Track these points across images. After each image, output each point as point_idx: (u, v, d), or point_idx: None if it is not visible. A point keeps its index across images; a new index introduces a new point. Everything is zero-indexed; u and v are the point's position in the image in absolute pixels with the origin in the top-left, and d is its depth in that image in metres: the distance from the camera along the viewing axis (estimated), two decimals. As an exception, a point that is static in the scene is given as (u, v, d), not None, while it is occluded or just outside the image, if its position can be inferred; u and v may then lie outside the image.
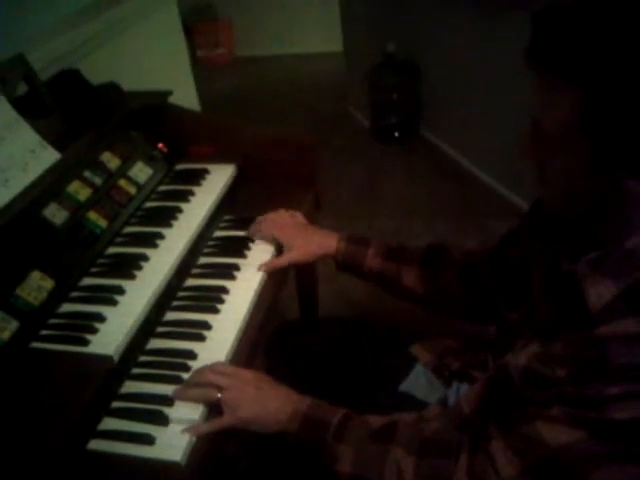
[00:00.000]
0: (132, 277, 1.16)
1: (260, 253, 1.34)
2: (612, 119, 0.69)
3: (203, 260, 1.34)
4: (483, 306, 1.19)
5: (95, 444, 0.94)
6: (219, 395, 0.97)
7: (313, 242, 1.31)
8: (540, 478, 0.78)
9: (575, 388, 0.74)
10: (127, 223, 1.32)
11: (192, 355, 1.08)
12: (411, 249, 1.28)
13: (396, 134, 3.84)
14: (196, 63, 5.22)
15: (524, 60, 0.76)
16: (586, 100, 0.70)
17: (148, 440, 0.93)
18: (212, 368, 1.02)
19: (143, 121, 1.50)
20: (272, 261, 1.30)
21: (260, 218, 1.38)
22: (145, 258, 1.21)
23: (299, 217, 1.38)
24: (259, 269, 1.28)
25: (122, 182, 1.35)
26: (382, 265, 1.26)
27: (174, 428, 0.96)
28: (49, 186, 1.18)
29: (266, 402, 0.98)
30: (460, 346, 1.23)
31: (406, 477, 0.86)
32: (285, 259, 1.31)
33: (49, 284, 1.08)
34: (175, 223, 1.32)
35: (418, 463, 0.87)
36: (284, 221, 1.36)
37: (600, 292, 0.72)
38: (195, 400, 0.99)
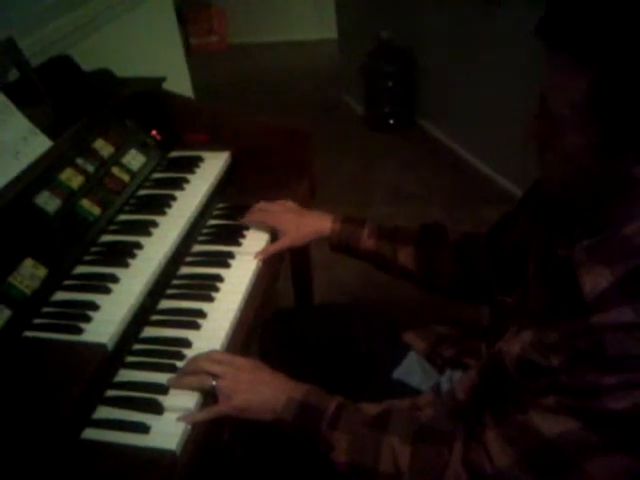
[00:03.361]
0: (126, 265, 1.15)
1: (255, 241, 1.33)
2: (625, 102, 0.67)
3: (197, 248, 1.34)
4: (477, 287, 1.19)
5: (89, 433, 0.94)
6: (214, 383, 0.97)
7: (307, 225, 1.31)
8: (534, 467, 0.78)
9: (570, 377, 0.73)
10: (120, 211, 1.31)
11: (187, 343, 1.07)
12: (406, 228, 1.29)
13: (391, 122, 3.83)
14: (189, 50, 5.19)
15: (535, 35, 0.73)
16: (599, 81, 0.67)
17: (143, 429, 0.93)
18: (207, 356, 1.01)
19: (136, 108, 1.48)
20: (267, 248, 1.30)
21: (251, 209, 1.37)
22: (139, 246, 1.20)
23: (290, 204, 1.38)
24: (255, 257, 1.28)
25: (115, 169, 1.34)
26: (377, 245, 1.27)
27: (169, 417, 0.95)
28: (41, 174, 1.17)
29: (261, 390, 0.97)
30: (453, 334, 1.23)
31: (402, 465, 0.87)
32: (279, 244, 1.31)
33: (42, 272, 1.07)
34: (169, 211, 1.31)
35: (413, 451, 0.87)
36: (275, 208, 1.36)
37: (596, 280, 0.72)
38: (190, 388, 0.99)
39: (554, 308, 0.78)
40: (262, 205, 1.37)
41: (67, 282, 1.12)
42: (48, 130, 1.23)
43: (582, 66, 0.69)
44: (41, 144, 1.20)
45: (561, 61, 0.71)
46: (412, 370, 1.21)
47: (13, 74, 1.30)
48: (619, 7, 0.66)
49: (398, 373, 1.22)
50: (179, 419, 0.94)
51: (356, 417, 0.93)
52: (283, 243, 1.31)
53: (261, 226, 1.35)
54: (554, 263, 0.82)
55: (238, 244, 1.32)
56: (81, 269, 1.15)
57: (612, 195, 0.77)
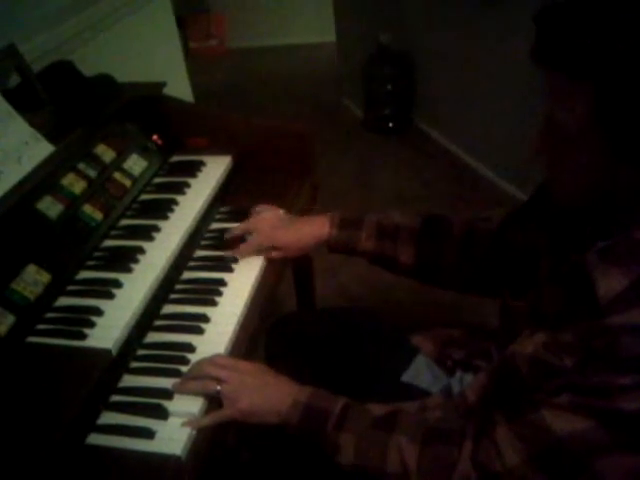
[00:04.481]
0: (129, 270, 1.15)
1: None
2: (628, 112, 0.69)
3: (200, 252, 1.33)
4: (481, 278, 1.18)
5: (94, 439, 0.93)
6: (218, 387, 0.96)
7: (304, 235, 1.27)
8: (545, 466, 0.78)
9: (583, 377, 0.73)
10: (123, 216, 1.31)
11: (191, 348, 1.07)
12: (405, 225, 1.24)
13: (390, 125, 3.83)
14: (189, 55, 5.20)
15: (531, 60, 0.75)
16: (599, 95, 0.69)
17: (148, 434, 0.93)
18: (211, 360, 1.01)
19: (137, 113, 1.48)
20: (270, 253, 1.29)
21: (244, 225, 1.32)
22: (142, 251, 1.19)
23: (278, 212, 1.34)
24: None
25: (117, 174, 1.34)
26: (376, 245, 1.24)
27: (174, 422, 0.95)
28: (43, 179, 1.17)
29: (266, 393, 0.97)
30: (462, 336, 1.23)
31: (409, 465, 0.86)
32: (280, 254, 1.29)
33: (45, 278, 1.07)
34: (171, 215, 1.31)
35: (421, 451, 0.86)
36: (266, 224, 1.30)
37: (610, 282, 0.72)
38: (194, 393, 0.98)
39: (568, 311, 0.78)
40: (250, 225, 1.31)
41: (70, 287, 1.12)
42: (50, 135, 1.23)
43: (581, 83, 0.71)
44: (43, 149, 1.20)
45: (560, 80, 0.73)
46: (421, 373, 1.21)
47: (14, 80, 1.30)
48: (609, 22, 0.68)
49: (407, 376, 1.21)
50: (184, 424, 0.94)
51: (363, 418, 0.93)
52: (286, 254, 1.29)
53: (257, 250, 1.29)
54: (567, 266, 0.82)
55: (241, 248, 1.32)
56: (84, 274, 1.15)
57: (623, 200, 0.78)
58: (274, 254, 1.29)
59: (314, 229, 1.27)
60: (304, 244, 1.28)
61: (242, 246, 1.29)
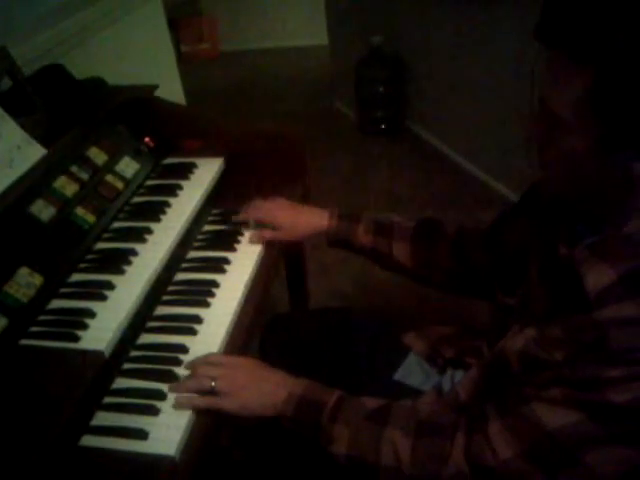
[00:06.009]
0: (121, 272, 1.15)
1: (250, 246, 1.34)
2: (625, 99, 0.68)
3: (193, 254, 1.34)
4: (472, 281, 1.19)
5: (88, 440, 0.94)
6: (213, 384, 0.97)
7: (303, 221, 1.32)
8: (537, 459, 0.79)
9: (573, 370, 0.74)
10: (115, 218, 1.31)
11: (184, 349, 1.07)
12: (401, 224, 1.28)
13: (382, 126, 3.85)
14: (181, 58, 5.20)
15: (534, 36, 0.74)
16: (599, 79, 0.68)
17: (141, 435, 0.93)
18: (205, 359, 1.02)
19: (129, 115, 1.48)
20: (263, 232, 1.33)
21: (245, 208, 1.39)
22: (134, 253, 1.20)
23: (284, 201, 1.38)
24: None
25: (109, 177, 1.34)
26: (373, 241, 1.27)
27: (167, 422, 0.95)
28: (35, 182, 1.17)
29: (261, 386, 0.98)
30: (453, 334, 1.24)
31: (402, 458, 0.87)
32: (275, 234, 1.33)
33: (38, 280, 1.07)
34: (164, 217, 1.31)
35: (414, 443, 0.87)
36: (270, 205, 1.36)
37: (598, 276, 0.73)
38: (189, 392, 0.99)
39: (556, 306, 0.79)
40: (256, 202, 1.38)
41: (63, 290, 1.12)
42: (42, 138, 1.23)
43: (581, 65, 0.69)
44: (35, 152, 1.20)
45: (560, 62, 0.72)
46: (412, 371, 1.22)
47: (6, 83, 1.30)
48: (616, 6, 0.67)
49: (399, 375, 1.22)
50: (178, 400, 0.96)
51: (356, 410, 0.94)
52: (280, 235, 1.33)
53: (256, 222, 1.36)
54: (555, 262, 0.83)
55: (233, 249, 1.33)
56: (77, 277, 1.15)
57: (612, 194, 0.78)
58: (267, 234, 1.33)
59: (313, 217, 1.32)
60: (300, 228, 1.32)
61: (242, 214, 1.38)
